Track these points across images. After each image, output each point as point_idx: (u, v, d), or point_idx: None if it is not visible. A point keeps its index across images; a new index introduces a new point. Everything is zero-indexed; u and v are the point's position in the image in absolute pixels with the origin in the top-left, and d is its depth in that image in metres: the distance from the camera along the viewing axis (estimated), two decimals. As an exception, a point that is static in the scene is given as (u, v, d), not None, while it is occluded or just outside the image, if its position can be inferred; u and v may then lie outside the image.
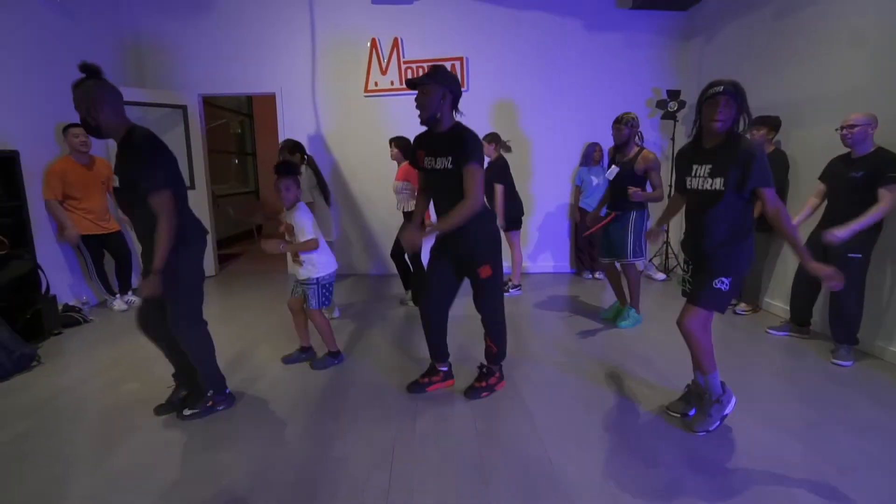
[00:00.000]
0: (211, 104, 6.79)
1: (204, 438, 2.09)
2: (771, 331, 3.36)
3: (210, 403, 2.26)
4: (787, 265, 3.67)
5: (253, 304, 4.15)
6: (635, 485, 1.76)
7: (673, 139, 4.96)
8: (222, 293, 4.60)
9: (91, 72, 1.89)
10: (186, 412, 2.23)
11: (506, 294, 4.36)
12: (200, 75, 4.84)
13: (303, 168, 3.53)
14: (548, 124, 5.06)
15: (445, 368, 2.56)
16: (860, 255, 2.82)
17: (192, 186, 4.87)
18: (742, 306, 3.82)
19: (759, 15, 4.01)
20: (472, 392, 2.44)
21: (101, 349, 3.11)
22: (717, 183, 1.90)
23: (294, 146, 3.60)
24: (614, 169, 3.38)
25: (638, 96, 5.06)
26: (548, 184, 5.21)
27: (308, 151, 4.69)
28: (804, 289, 3.24)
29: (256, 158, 8.69)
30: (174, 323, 2.08)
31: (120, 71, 4.54)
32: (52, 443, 2.06)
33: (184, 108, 4.75)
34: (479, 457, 1.94)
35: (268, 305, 4.09)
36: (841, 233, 2.68)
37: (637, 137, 3.37)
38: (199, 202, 4.92)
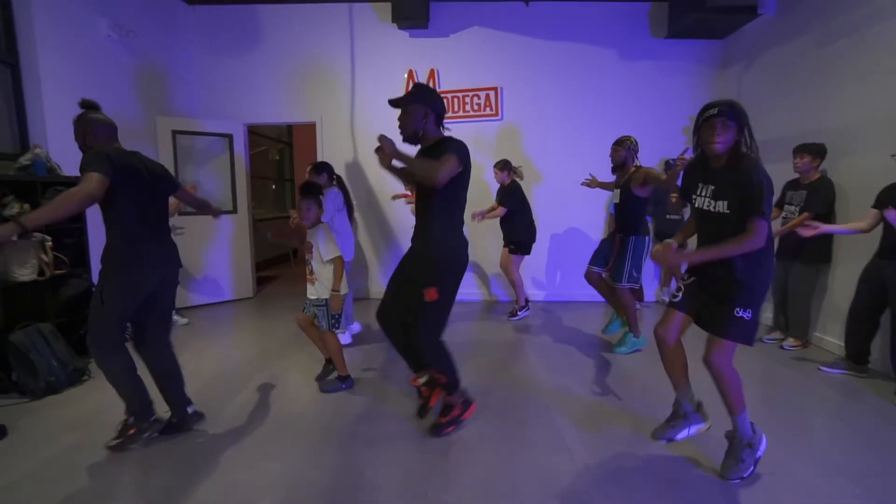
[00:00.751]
0: (252, 132, 7.12)
1: (237, 456, 2.12)
2: (824, 368, 3.18)
3: (132, 431, 2.18)
4: (839, 297, 3.49)
5: (288, 326, 4.23)
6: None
7: (711, 166, 4.88)
8: (258, 315, 4.71)
9: (89, 106, 2.11)
10: (111, 442, 2.16)
11: (514, 318, 4.44)
12: (246, 105, 5.11)
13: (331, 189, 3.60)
14: (582, 152, 5.07)
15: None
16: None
17: (235, 210, 5.08)
18: (790, 341, 3.63)
19: (799, 43, 3.96)
20: (436, 429, 2.28)
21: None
22: (721, 206, 1.85)
23: (320, 167, 3.66)
24: (616, 192, 3.40)
25: (674, 124, 5.03)
26: (582, 212, 5.19)
27: (344, 177, 4.85)
28: (861, 323, 3.07)
29: (294, 184, 9.01)
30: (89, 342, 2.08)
31: (174, 102, 4.85)
32: (100, 453, 2.13)
33: (230, 137, 5.00)
34: (512, 488, 1.89)
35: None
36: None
37: (635, 159, 3.38)
38: (241, 225, 5.12)
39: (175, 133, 4.64)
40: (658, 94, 5.00)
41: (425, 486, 1.90)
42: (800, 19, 3.97)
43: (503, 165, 4.26)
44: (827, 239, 3.47)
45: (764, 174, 1.77)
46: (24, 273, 2.95)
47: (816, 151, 3.39)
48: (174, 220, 4.44)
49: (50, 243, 3.10)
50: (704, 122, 1.86)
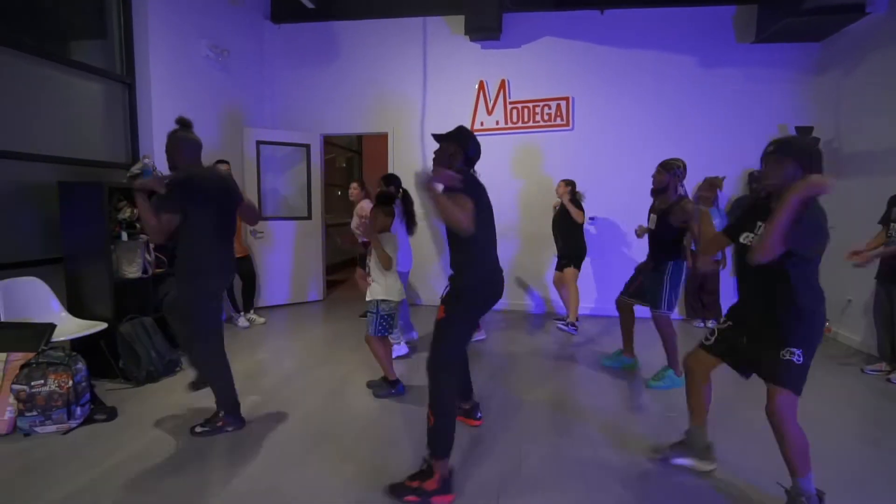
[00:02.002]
0: (326, 141, 7.47)
1: (308, 457, 2.20)
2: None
3: (220, 423, 2.39)
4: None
5: (355, 328, 4.37)
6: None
7: (803, 179, 4.50)
8: (328, 317, 4.91)
9: (183, 125, 2.36)
10: (197, 429, 2.37)
11: (561, 328, 4.38)
12: (323, 117, 5.38)
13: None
14: (654, 165, 4.85)
15: (467, 406, 2.51)
16: None
17: (309, 216, 5.34)
18: (896, 374, 3.26)
19: (915, 44, 3.57)
20: (396, 490, 1.87)
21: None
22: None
23: (389, 179, 3.83)
24: (653, 218, 3.17)
25: (760, 134, 4.68)
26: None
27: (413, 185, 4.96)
28: None
29: (366, 189, 9.33)
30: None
31: (259, 114, 5.21)
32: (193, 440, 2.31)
33: (307, 147, 5.28)
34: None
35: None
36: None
37: (680, 187, 3.12)
38: (314, 231, 5.38)
39: (259, 143, 4.97)
40: (743, 102, 4.70)
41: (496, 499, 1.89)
42: (916, 18, 3.59)
43: (567, 183, 4.31)
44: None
45: (822, 214, 1.68)
46: (132, 271, 3.27)
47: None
48: (255, 226, 4.74)
49: (152, 245, 3.41)
50: (762, 161, 1.81)
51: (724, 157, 4.72)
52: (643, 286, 3.24)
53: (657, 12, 4.74)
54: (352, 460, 2.17)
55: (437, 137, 2.24)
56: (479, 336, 3.98)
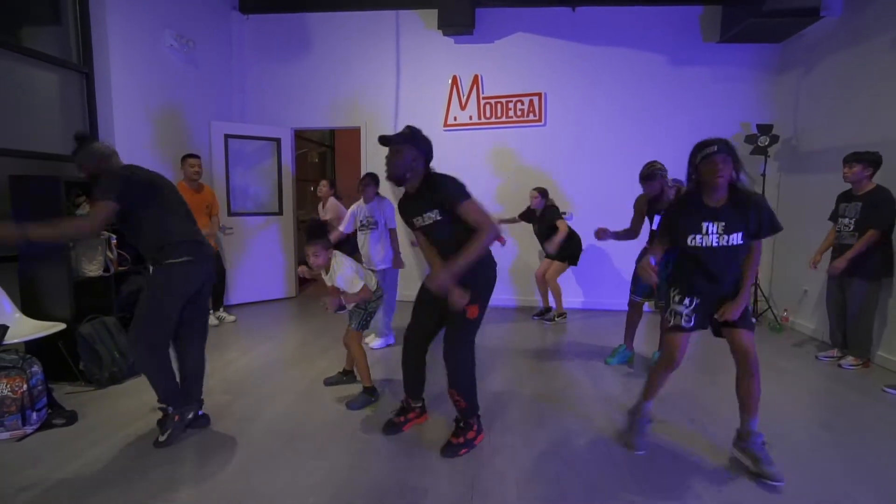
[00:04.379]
0: (296, 136, 7.34)
1: (281, 456, 2.18)
2: (889, 390, 2.99)
3: (176, 418, 2.25)
4: (906, 317, 3.29)
5: (328, 326, 4.33)
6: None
7: (764, 175, 4.68)
8: (300, 314, 4.84)
9: (84, 138, 2.30)
10: (160, 439, 2.22)
11: (548, 322, 4.55)
12: (294, 111, 5.27)
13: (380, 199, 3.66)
14: (626, 160, 4.95)
15: (420, 405, 2.48)
16: None
17: (280, 212, 5.24)
18: (849, 360, 3.44)
19: (869, 46, 3.75)
20: (448, 449, 2.19)
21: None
22: (736, 238, 1.96)
23: (372, 177, 3.70)
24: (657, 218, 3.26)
25: (725, 131, 4.79)
26: (626, 219, 5.06)
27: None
28: None
29: (336, 187, 9.20)
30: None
31: (227, 107, 5.07)
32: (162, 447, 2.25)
33: (278, 141, 5.17)
34: (558, 489, 1.87)
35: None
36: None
37: (667, 186, 3.23)
38: (286, 227, 5.28)
39: (227, 137, 4.84)
40: (709, 100, 4.85)
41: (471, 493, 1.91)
42: (869, 21, 3.76)
43: (545, 193, 4.39)
44: (889, 252, 3.28)
45: (763, 197, 2.00)
46: (92, 269, 3.14)
47: (870, 160, 3.22)
48: (224, 220, 4.63)
49: (115, 241, 3.29)
50: (703, 160, 1.93)
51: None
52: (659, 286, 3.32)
53: (627, 10, 4.82)
54: (325, 458, 2.15)
55: (384, 140, 2.12)
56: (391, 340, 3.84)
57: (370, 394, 2.73)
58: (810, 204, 4.24)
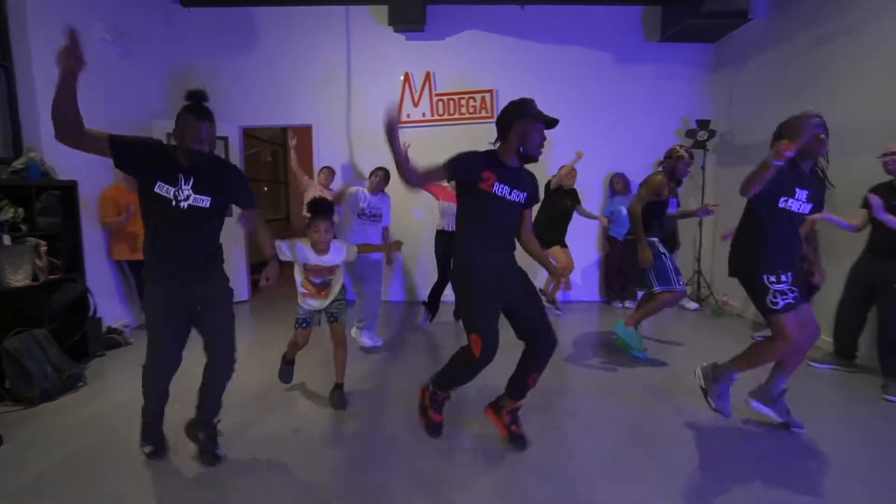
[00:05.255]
0: (247, 134, 7.10)
1: (245, 465, 2.11)
2: (813, 364, 3.24)
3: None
4: (828, 294, 3.55)
5: (286, 329, 4.21)
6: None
7: (703, 167, 4.95)
8: (255, 318, 4.69)
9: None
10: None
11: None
12: (242, 108, 5.09)
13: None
14: (577, 155, 5.11)
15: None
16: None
17: (230, 214, 5.04)
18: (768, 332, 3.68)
19: (791, 46, 4.03)
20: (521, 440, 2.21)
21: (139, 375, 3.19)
22: (808, 208, 2.11)
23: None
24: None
25: (667, 126, 5.09)
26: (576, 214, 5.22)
27: (342, 180, 4.89)
28: (849, 319, 3.13)
29: (288, 187, 8.96)
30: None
31: (169, 105, 4.82)
32: (104, 460, 2.11)
33: (225, 140, 4.98)
34: (523, 492, 1.91)
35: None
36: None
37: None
38: (236, 229, 5.09)
39: (170, 136, 4.59)
40: (652, 96, 5.06)
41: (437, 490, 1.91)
42: (792, 22, 4.04)
43: None
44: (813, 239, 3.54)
45: None
46: (18, 279, 2.91)
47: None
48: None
49: (45, 248, 3.07)
50: (810, 127, 1.94)
51: (637, 148, 5.07)
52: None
53: (572, 9, 4.95)
54: (284, 468, 2.09)
55: (553, 123, 2.11)
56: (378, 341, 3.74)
57: (341, 389, 2.71)
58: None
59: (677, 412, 2.58)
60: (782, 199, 2.07)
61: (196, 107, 1.80)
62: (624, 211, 4.86)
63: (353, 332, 3.63)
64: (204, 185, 1.86)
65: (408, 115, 5.05)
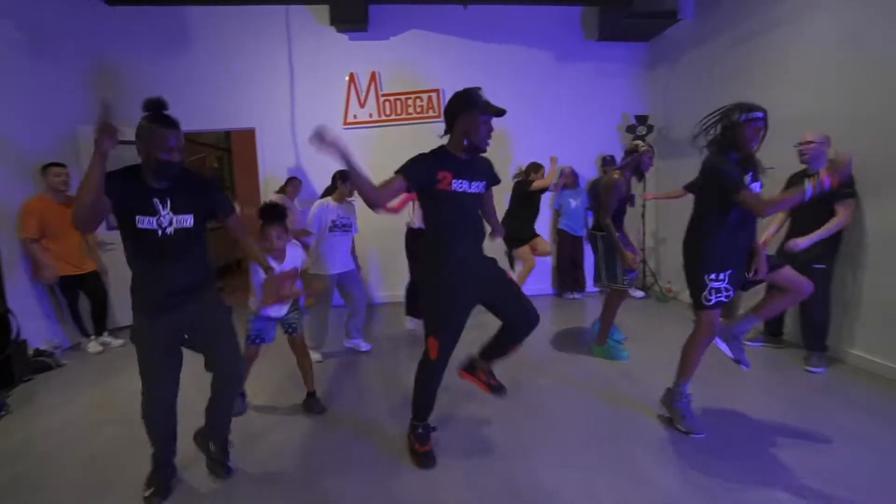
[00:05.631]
0: (188, 140, 6.80)
1: (183, 487, 2.03)
2: (746, 342, 3.46)
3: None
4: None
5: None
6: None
7: (643, 161, 5.17)
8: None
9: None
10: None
11: None
12: (178, 111, 4.77)
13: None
14: (523, 151, 5.22)
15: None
16: (825, 266, 2.97)
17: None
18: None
19: (716, 44, 4.28)
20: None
21: (77, 394, 3.01)
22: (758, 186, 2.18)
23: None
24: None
25: (609, 122, 5.29)
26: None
27: (287, 184, 4.78)
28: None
29: (235, 193, 8.65)
30: None
31: (93, 108, 4.54)
32: (31, 498, 1.97)
33: (162, 145, 4.74)
34: (471, 485, 1.94)
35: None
36: (802, 242, 2.85)
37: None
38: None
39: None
40: (592, 94, 5.24)
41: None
42: (714, 23, 4.30)
43: None
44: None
45: None
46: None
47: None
48: (103, 235, 4.16)
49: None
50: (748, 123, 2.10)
51: (581, 144, 5.23)
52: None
53: (514, 9, 5.04)
54: (235, 484, 2.03)
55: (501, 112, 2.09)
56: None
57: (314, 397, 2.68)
58: (681, 184, 4.75)
59: (625, 399, 2.69)
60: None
61: (158, 115, 1.73)
62: (573, 203, 5.02)
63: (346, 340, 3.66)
64: (181, 202, 1.77)
65: (355, 116, 4.99)
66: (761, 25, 3.76)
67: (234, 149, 8.47)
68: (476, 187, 2.10)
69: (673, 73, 4.96)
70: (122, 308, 4.44)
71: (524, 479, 1.96)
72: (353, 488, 1.94)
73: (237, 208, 2.19)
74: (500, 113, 2.06)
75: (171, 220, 1.74)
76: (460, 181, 2.03)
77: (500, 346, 2.19)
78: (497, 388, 2.24)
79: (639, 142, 3.41)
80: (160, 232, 1.73)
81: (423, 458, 2.10)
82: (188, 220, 1.78)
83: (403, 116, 5.01)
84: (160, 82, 4.80)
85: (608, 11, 4.85)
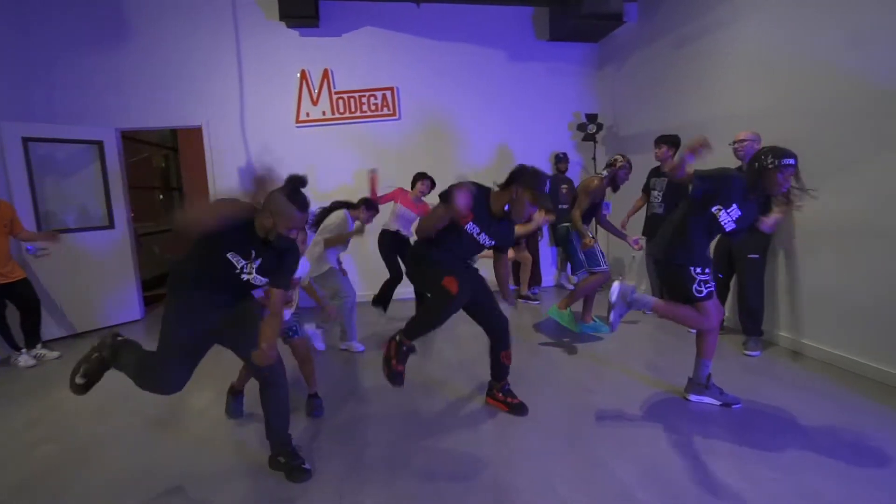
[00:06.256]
0: (131, 138, 6.44)
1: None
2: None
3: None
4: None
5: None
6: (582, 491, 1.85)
7: (595, 158, 5.34)
8: (148, 339, 4.28)
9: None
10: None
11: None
12: (118, 109, 4.61)
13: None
14: (478, 149, 5.28)
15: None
16: (758, 256, 3.17)
17: (112, 226, 4.57)
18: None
19: (658, 46, 4.47)
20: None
21: (6, 414, 2.79)
22: (730, 227, 2.33)
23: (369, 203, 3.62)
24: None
25: (561, 121, 5.43)
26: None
27: (238, 184, 4.61)
28: (716, 287, 3.56)
29: (183, 193, 8.28)
30: None
31: (25, 105, 4.24)
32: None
33: (100, 144, 4.48)
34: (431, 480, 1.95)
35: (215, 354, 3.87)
36: (770, 220, 2.96)
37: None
38: (120, 242, 4.62)
39: (26, 140, 4.05)
40: (545, 93, 5.35)
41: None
42: (657, 26, 4.49)
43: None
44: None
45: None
46: None
47: (672, 142, 3.86)
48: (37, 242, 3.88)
49: None
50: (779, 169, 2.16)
51: (536, 142, 5.34)
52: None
53: (466, 8, 5.08)
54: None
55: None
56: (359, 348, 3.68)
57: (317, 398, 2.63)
58: (632, 182, 4.93)
59: (581, 387, 2.78)
60: (716, 205, 2.27)
61: (298, 197, 1.82)
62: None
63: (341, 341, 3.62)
64: (267, 267, 1.92)
65: (307, 114, 4.89)
66: (699, 29, 3.96)
67: (181, 147, 8.11)
68: (484, 239, 2.37)
69: (620, 73, 5.14)
70: (57, 318, 4.17)
71: (484, 472, 1.99)
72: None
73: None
74: (550, 209, 2.49)
75: (252, 273, 1.90)
76: (474, 226, 2.32)
77: (495, 358, 2.50)
78: (516, 407, 2.49)
79: (618, 156, 3.60)
80: (237, 271, 1.87)
81: (397, 376, 2.30)
82: (261, 281, 1.95)
83: (358, 114, 4.95)
84: (95, 76, 4.55)
85: (558, 12, 4.97)
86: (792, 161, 2.15)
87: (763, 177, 2.19)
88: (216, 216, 1.76)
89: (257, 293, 2.41)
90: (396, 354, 2.33)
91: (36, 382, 3.24)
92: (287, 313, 2.51)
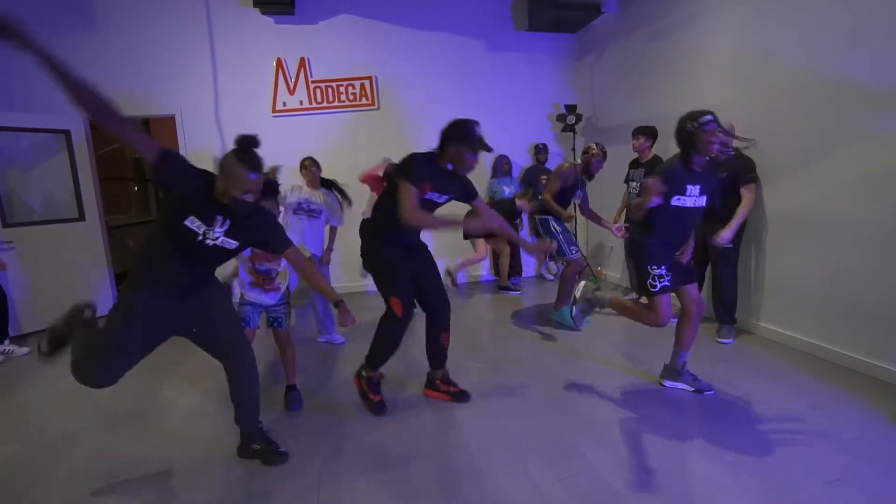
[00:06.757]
0: (96, 128, 6.25)
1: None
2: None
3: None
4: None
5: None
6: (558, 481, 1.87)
7: (574, 148, 5.36)
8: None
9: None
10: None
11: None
12: (85, 97, 4.43)
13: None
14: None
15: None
16: (731, 246, 3.23)
17: (83, 218, 4.43)
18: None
19: (635, 38, 4.50)
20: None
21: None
22: (703, 200, 2.33)
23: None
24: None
25: (540, 111, 5.43)
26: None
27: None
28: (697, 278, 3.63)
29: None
30: None
31: (-16, 94, 4.06)
32: None
33: (67, 133, 4.32)
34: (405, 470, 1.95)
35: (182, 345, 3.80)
36: (727, 234, 3.01)
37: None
38: (91, 234, 4.49)
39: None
40: (524, 83, 5.34)
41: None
42: (634, 16, 4.51)
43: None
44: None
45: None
46: None
47: (649, 133, 3.89)
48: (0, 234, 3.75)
49: None
50: (702, 128, 2.15)
51: (515, 133, 5.34)
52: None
53: (447, -3, 5.02)
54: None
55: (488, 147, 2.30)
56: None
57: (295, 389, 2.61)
58: (612, 173, 4.98)
59: (560, 380, 2.81)
60: (675, 197, 2.28)
61: (247, 156, 1.73)
62: (506, 191, 5.12)
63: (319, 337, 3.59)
64: (237, 230, 1.82)
65: (284, 104, 4.79)
66: (675, 21, 3.98)
67: (154, 137, 7.88)
68: (444, 199, 2.36)
69: (599, 64, 5.16)
70: (26, 312, 4.05)
71: (456, 461, 2.00)
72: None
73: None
74: (489, 150, 2.26)
75: (218, 237, 1.78)
76: (435, 192, 2.28)
77: (434, 339, 2.51)
78: (459, 395, 2.52)
79: (593, 145, 3.65)
80: (199, 237, 1.75)
81: (379, 406, 2.40)
82: (232, 245, 1.84)
83: (336, 104, 4.87)
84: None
85: (536, 2, 4.94)
86: (709, 117, 2.19)
87: (692, 142, 2.22)
88: (167, 150, 1.66)
89: (243, 275, 2.49)
90: (368, 387, 2.44)
91: (1, 380, 3.14)
92: (274, 297, 2.52)
